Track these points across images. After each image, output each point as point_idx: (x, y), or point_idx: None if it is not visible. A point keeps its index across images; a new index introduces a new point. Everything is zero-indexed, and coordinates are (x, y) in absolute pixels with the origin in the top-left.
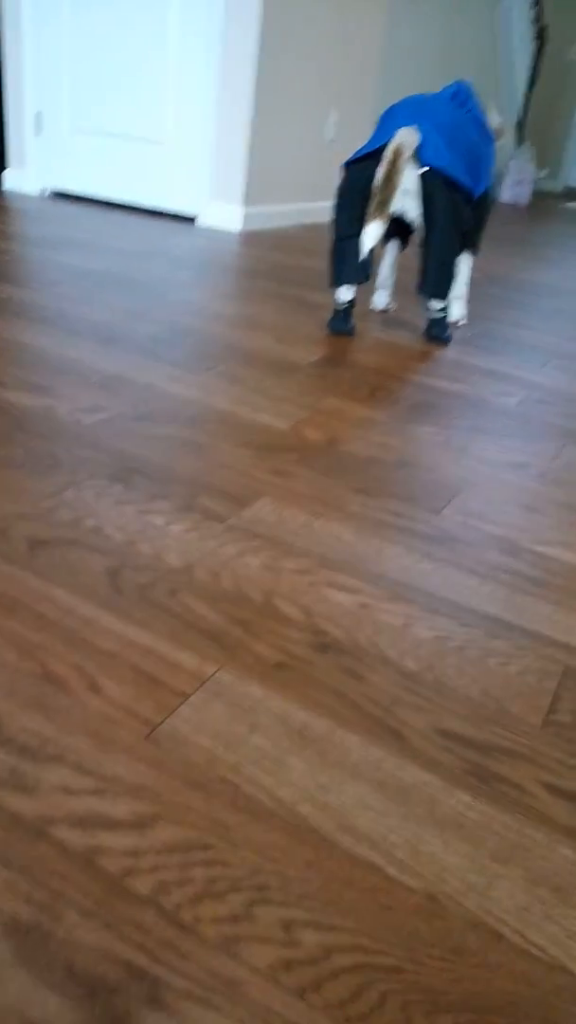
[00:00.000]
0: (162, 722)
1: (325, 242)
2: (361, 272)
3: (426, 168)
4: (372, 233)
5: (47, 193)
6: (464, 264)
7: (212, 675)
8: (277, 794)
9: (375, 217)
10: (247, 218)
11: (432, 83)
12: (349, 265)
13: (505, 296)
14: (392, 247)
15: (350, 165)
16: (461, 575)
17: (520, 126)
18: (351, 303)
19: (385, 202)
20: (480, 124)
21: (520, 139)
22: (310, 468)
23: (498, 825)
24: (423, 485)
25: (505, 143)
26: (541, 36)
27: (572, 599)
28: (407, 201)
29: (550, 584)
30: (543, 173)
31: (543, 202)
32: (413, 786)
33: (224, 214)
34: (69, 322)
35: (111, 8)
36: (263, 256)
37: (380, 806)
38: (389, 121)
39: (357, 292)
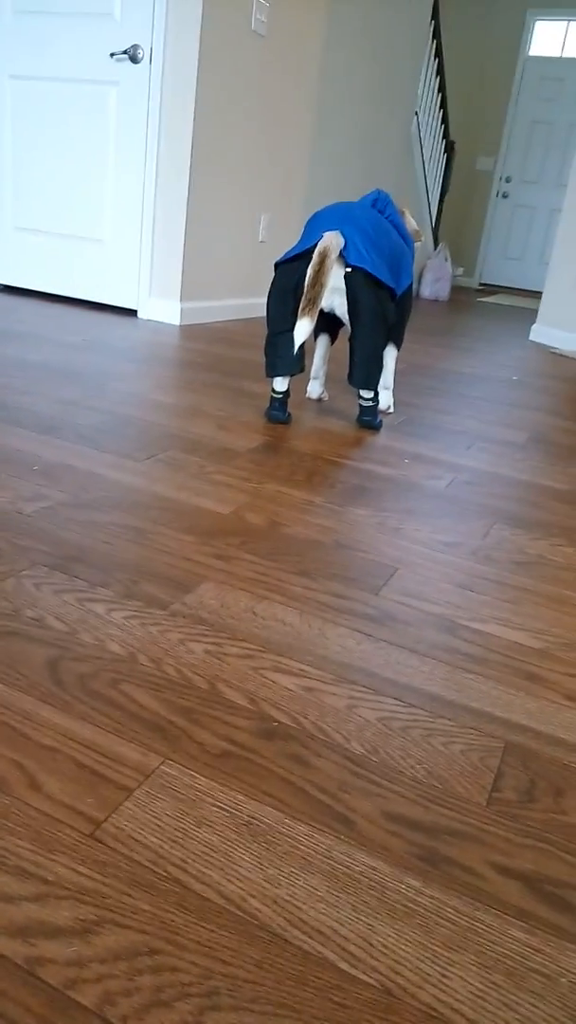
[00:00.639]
0: (105, 820)
1: (261, 335)
2: (295, 364)
3: (351, 268)
4: (303, 329)
5: None
6: (389, 357)
7: (156, 768)
8: (226, 890)
9: (305, 314)
10: (185, 312)
11: (354, 189)
12: (283, 358)
13: (430, 385)
14: (323, 340)
15: (280, 265)
16: (402, 655)
17: (436, 229)
18: (287, 393)
19: (314, 300)
20: (398, 227)
21: (436, 240)
22: (252, 552)
23: (449, 910)
24: (361, 566)
25: (422, 244)
26: (449, 150)
27: (510, 675)
28: (335, 298)
29: (488, 661)
30: (459, 271)
31: (461, 297)
32: (363, 874)
33: (163, 309)
34: (10, 412)
35: (53, 117)
36: (202, 348)
37: (330, 897)
38: (315, 225)
39: (292, 382)
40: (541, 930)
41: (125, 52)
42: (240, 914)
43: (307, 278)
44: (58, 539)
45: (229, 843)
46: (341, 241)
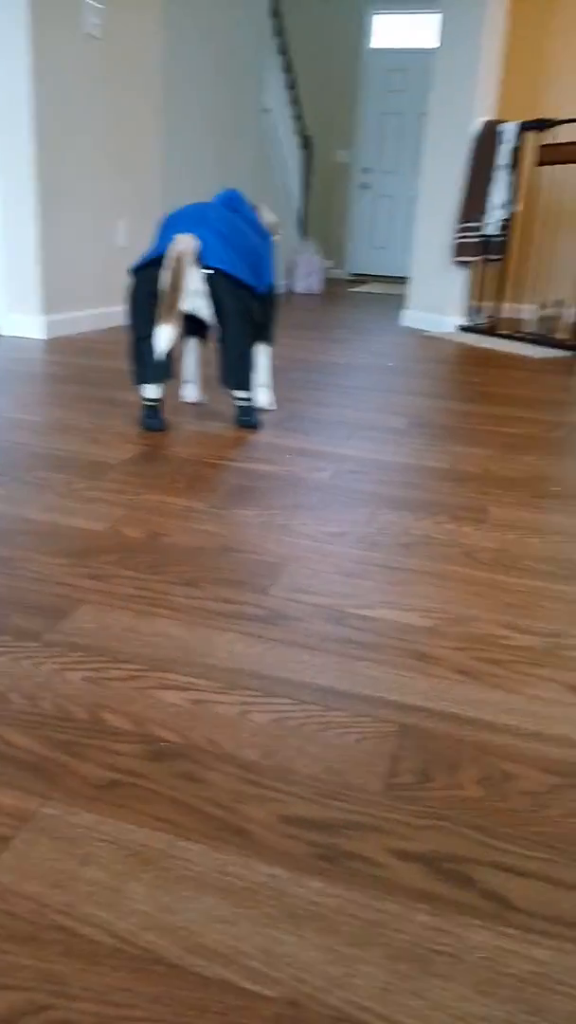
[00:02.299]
0: None
1: (126, 343)
2: (161, 370)
3: (210, 270)
4: (164, 335)
5: None
6: (262, 354)
7: (35, 811)
8: (116, 928)
9: (165, 320)
10: (51, 325)
11: (212, 190)
12: (148, 365)
13: (308, 378)
14: (193, 343)
15: (136, 271)
16: (293, 651)
17: (301, 223)
18: (159, 400)
19: (173, 305)
20: (254, 224)
21: (303, 234)
22: (131, 568)
23: (352, 907)
24: (248, 567)
25: (284, 238)
26: (306, 144)
27: (400, 657)
28: (197, 301)
29: (379, 646)
30: (329, 263)
31: (334, 289)
32: (262, 884)
33: (25, 323)
34: None
35: None
36: (69, 361)
37: (229, 915)
38: (169, 229)
39: (165, 388)
40: (445, 910)
41: None
42: (133, 951)
43: (163, 283)
44: None
45: (118, 877)
46: (195, 243)
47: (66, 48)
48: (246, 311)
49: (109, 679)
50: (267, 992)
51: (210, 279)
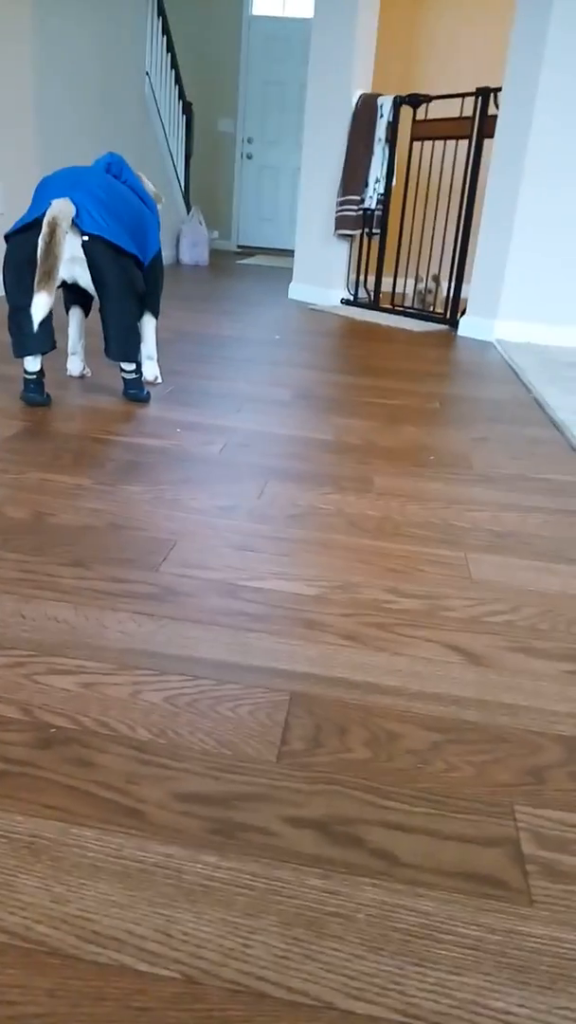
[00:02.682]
0: None
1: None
2: (43, 341)
3: (88, 237)
4: (40, 303)
5: None
6: (148, 326)
7: None
8: (7, 924)
9: (41, 288)
10: None
11: (93, 153)
12: (28, 335)
13: (196, 351)
14: (76, 313)
15: (10, 237)
16: (185, 628)
17: (185, 193)
18: (40, 372)
19: (49, 272)
20: (139, 191)
21: (188, 205)
22: (15, 550)
23: (247, 877)
24: (138, 545)
25: (168, 207)
26: (188, 111)
27: (291, 626)
28: (76, 268)
29: (269, 617)
30: (215, 234)
31: (221, 261)
32: (156, 865)
33: None
34: None
35: None
36: None
37: (124, 899)
38: (43, 193)
39: (48, 360)
40: (336, 872)
41: None
42: (26, 945)
43: (39, 250)
44: None
45: (7, 871)
46: (71, 209)
47: None
48: (129, 280)
49: None
50: (164, 972)
51: (87, 246)
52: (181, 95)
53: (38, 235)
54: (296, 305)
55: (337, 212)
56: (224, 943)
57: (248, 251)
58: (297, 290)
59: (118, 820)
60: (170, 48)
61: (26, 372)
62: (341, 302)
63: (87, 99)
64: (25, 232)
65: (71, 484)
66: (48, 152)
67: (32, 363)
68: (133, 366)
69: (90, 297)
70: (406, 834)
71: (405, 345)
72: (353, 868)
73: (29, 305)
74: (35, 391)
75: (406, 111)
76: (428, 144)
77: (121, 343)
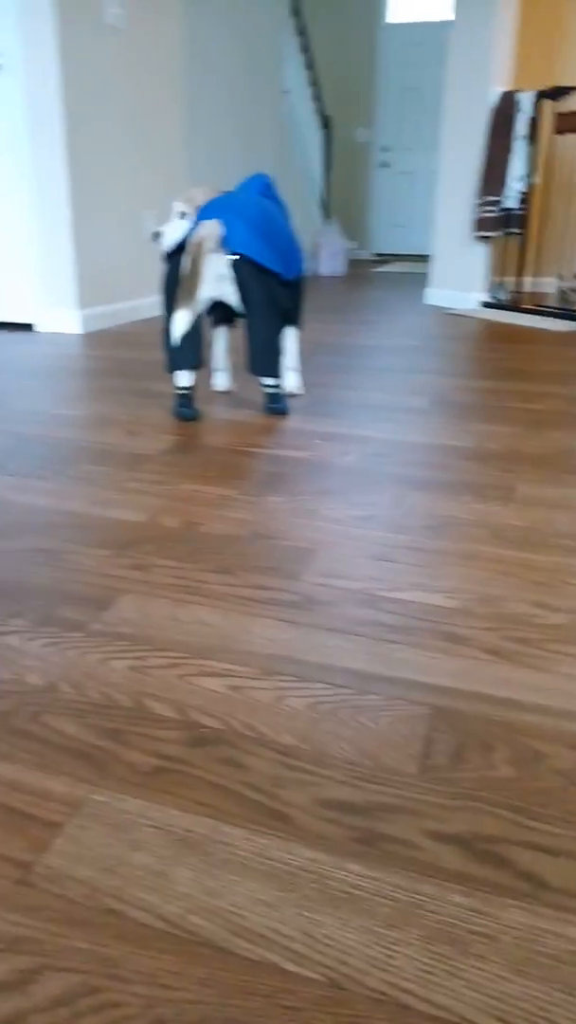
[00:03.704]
0: (35, 862)
1: (160, 334)
2: (190, 357)
3: (235, 256)
4: (180, 320)
5: None
6: (290, 338)
7: (85, 797)
8: (164, 912)
9: (182, 305)
10: (87, 320)
11: (236, 175)
12: (179, 352)
13: (334, 362)
14: (222, 331)
15: (167, 258)
16: (326, 636)
17: (324, 204)
18: (191, 388)
19: (191, 291)
20: (284, 209)
21: (326, 216)
22: (170, 557)
23: (389, 888)
24: (280, 554)
25: (307, 220)
26: (326, 125)
27: (431, 639)
28: (224, 287)
29: (410, 629)
30: (353, 244)
31: (358, 270)
32: (302, 868)
33: (61, 318)
34: None
35: None
36: (105, 355)
37: (271, 898)
38: (201, 215)
39: (197, 377)
40: (480, 890)
41: None
42: (181, 934)
43: (182, 268)
44: None
45: (165, 862)
46: (219, 230)
47: (89, 40)
48: (272, 298)
49: (151, 667)
50: (310, 974)
51: (235, 264)
52: (320, 110)
53: (184, 254)
54: (433, 310)
55: (476, 214)
56: (368, 952)
57: (384, 259)
58: (434, 295)
59: (265, 822)
60: (309, 66)
61: (177, 388)
62: (480, 305)
63: (230, 122)
64: (179, 253)
65: (218, 495)
66: (195, 175)
67: (183, 379)
68: (274, 380)
69: (235, 316)
70: (553, 857)
71: (548, 346)
72: (497, 888)
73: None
74: (186, 406)
75: (547, 106)
76: (572, 137)
77: (263, 359)
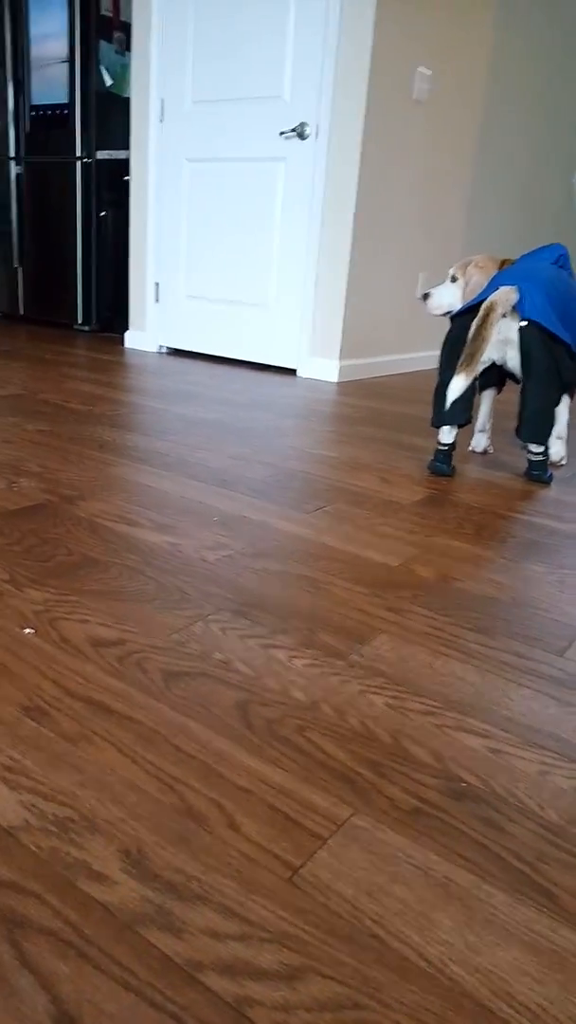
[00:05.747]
0: (302, 866)
1: (418, 389)
2: (460, 414)
3: (526, 322)
4: (456, 387)
5: (162, 350)
6: (563, 406)
7: (347, 819)
8: (426, 952)
9: (461, 370)
10: (343, 370)
11: (511, 244)
12: (451, 407)
13: None
14: (490, 393)
15: (455, 317)
16: None
17: None
18: (452, 445)
19: (473, 355)
20: (574, 281)
21: None
22: (424, 606)
23: None
24: (542, 626)
25: None
26: None
27: None
28: (507, 351)
29: None
30: None
31: None
32: (571, 952)
33: (322, 367)
34: (189, 467)
35: (225, 194)
36: (360, 404)
37: (536, 973)
38: (496, 280)
39: (457, 435)
40: None
41: (293, 130)
42: (442, 979)
43: (470, 332)
44: (238, 586)
45: (425, 903)
46: (514, 297)
47: (395, 113)
48: (556, 367)
49: (409, 710)
50: None
51: (524, 330)
52: None
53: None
54: None
55: None
56: None
57: None
58: None
59: (529, 894)
60: None
61: (440, 443)
62: None
63: (514, 195)
64: (468, 314)
65: (473, 553)
66: (469, 242)
67: (447, 435)
68: (541, 448)
69: (505, 379)
70: None
71: None
72: None
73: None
74: (443, 462)
75: None
76: None
77: (535, 426)
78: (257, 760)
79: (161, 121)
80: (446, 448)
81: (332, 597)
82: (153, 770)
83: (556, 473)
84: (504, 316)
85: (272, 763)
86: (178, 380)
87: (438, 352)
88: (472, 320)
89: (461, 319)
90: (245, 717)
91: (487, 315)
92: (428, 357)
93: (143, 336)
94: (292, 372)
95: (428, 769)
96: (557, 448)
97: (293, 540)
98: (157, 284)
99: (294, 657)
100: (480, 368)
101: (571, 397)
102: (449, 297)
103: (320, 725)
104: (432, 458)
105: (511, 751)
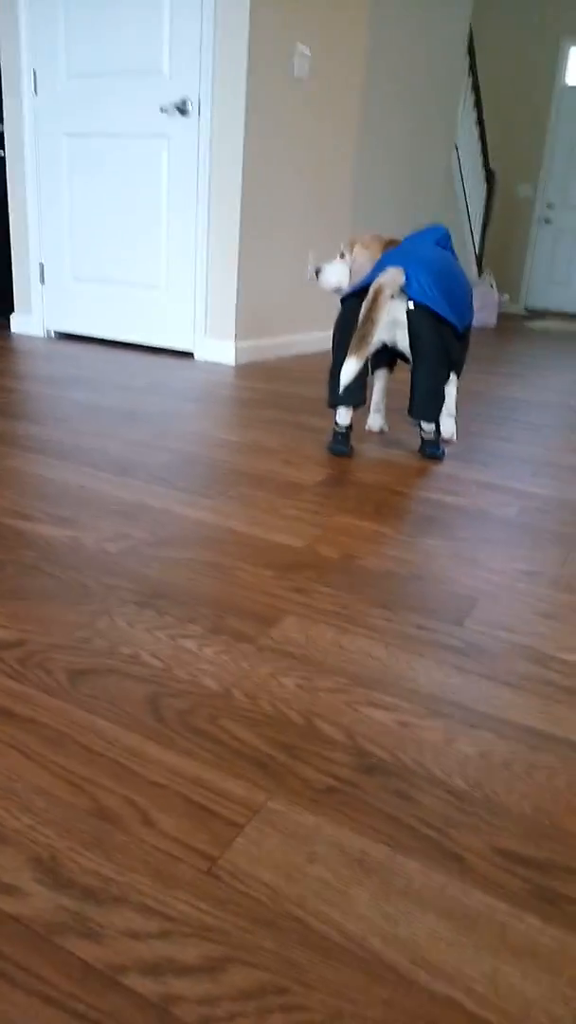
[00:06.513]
0: (220, 856)
1: (314, 369)
2: (356, 395)
3: (414, 304)
4: (349, 370)
5: (51, 334)
6: (451, 385)
7: (263, 804)
8: (346, 928)
9: (355, 352)
10: (240, 352)
11: (396, 223)
12: (345, 389)
13: (486, 412)
14: (382, 374)
15: (345, 300)
16: (494, 687)
17: (479, 257)
18: (349, 426)
19: (365, 337)
20: (457, 262)
21: (480, 269)
22: (329, 585)
23: (573, 950)
24: (441, 597)
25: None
26: (490, 179)
27: None
28: (397, 332)
29: None
30: (505, 298)
31: (508, 324)
32: (481, 913)
33: (219, 349)
34: (87, 455)
35: (107, 171)
36: (258, 386)
37: (451, 936)
38: (384, 262)
39: (353, 416)
40: None
41: (175, 105)
42: (363, 954)
43: (360, 314)
44: (143, 577)
45: (343, 880)
46: (401, 278)
47: (276, 91)
48: (445, 348)
49: (319, 689)
50: (492, 1018)
51: (412, 312)
52: (486, 164)
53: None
54: None
55: None
56: (553, 1008)
57: (537, 314)
58: None
59: (440, 860)
60: (479, 121)
61: (336, 424)
62: None
63: (398, 172)
64: (358, 297)
65: (374, 531)
66: (356, 220)
67: (343, 416)
68: (433, 426)
69: (397, 360)
70: None
71: None
72: None
73: None
74: (342, 443)
75: None
76: None
77: (426, 405)
78: (170, 753)
79: (36, 94)
80: (343, 429)
81: (239, 582)
82: (62, 772)
83: (449, 449)
84: (392, 298)
85: (185, 754)
86: (69, 365)
87: (329, 332)
88: (361, 303)
89: (350, 302)
90: (156, 710)
91: (376, 297)
92: (323, 337)
93: (29, 320)
94: (189, 355)
95: (340, 747)
96: (448, 425)
97: (197, 526)
98: (42, 265)
99: (204, 645)
100: (371, 350)
101: (458, 376)
102: (338, 274)
103: (232, 712)
104: (331, 439)
105: (418, 722)
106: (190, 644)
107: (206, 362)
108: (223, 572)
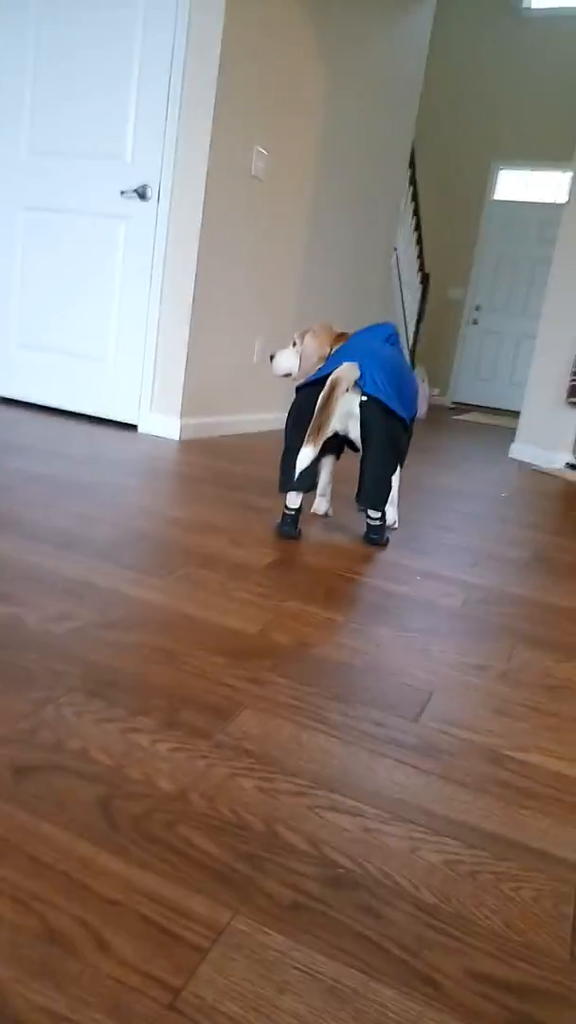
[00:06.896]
0: (183, 987)
1: (259, 451)
2: (307, 481)
3: (366, 397)
4: (304, 457)
5: None
6: (396, 475)
7: (228, 924)
8: None
9: (309, 442)
10: (184, 428)
11: (339, 316)
12: (299, 474)
13: (424, 501)
14: (329, 460)
15: (300, 389)
16: (453, 789)
17: (412, 352)
18: (299, 509)
19: (320, 427)
20: (406, 359)
21: (413, 363)
22: (284, 675)
23: None
24: (395, 690)
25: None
26: (425, 281)
27: (562, 810)
28: (349, 423)
29: (540, 795)
30: (435, 391)
31: (438, 416)
32: None
33: (163, 424)
34: (27, 527)
35: (62, 246)
36: (203, 463)
37: None
38: (338, 356)
39: (303, 499)
40: None
41: (135, 191)
42: None
43: (317, 405)
44: (90, 662)
45: (316, 1012)
46: (356, 373)
47: (234, 187)
48: (394, 439)
49: (280, 791)
50: None
51: (364, 405)
52: (421, 267)
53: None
54: (517, 464)
55: (571, 381)
56: None
57: (463, 407)
58: (520, 450)
59: (416, 985)
60: (417, 228)
61: (287, 507)
62: (566, 466)
63: (341, 270)
64: (313, 386)
65: (325, 618)
66: (302, 312)
67: (294, 500)
68: (380, 513)
69: (344, 448)
70: None
71: None
72: None
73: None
74: (291, 525)
75: None
76: None
77: (376, 492)
78: (124, 864)
79: None
80: (293, 512)
81: (192, 670)
82: (7, 888)
83: (391, 536)
84: (347, 391)
85: (141, 866)
86: (8, 431)
87: (273, 414)
88: (317, 392)
89: (307, 390)
90: (108, 814)
91: (332, 390)
92: (268, 419)
93: None
94: (132, 428)
95: (304, 856)
96: (390, 513)
97: (146, 608)
98: None
99: (157, 741)
100: (325, 438)
101: (402, 466)
102: (289, 360)
103: (190, 817)
104: (280, 521)
105: (381, 828)
106: (143, 739)
107: (150, 435)
108: (175, 659)
